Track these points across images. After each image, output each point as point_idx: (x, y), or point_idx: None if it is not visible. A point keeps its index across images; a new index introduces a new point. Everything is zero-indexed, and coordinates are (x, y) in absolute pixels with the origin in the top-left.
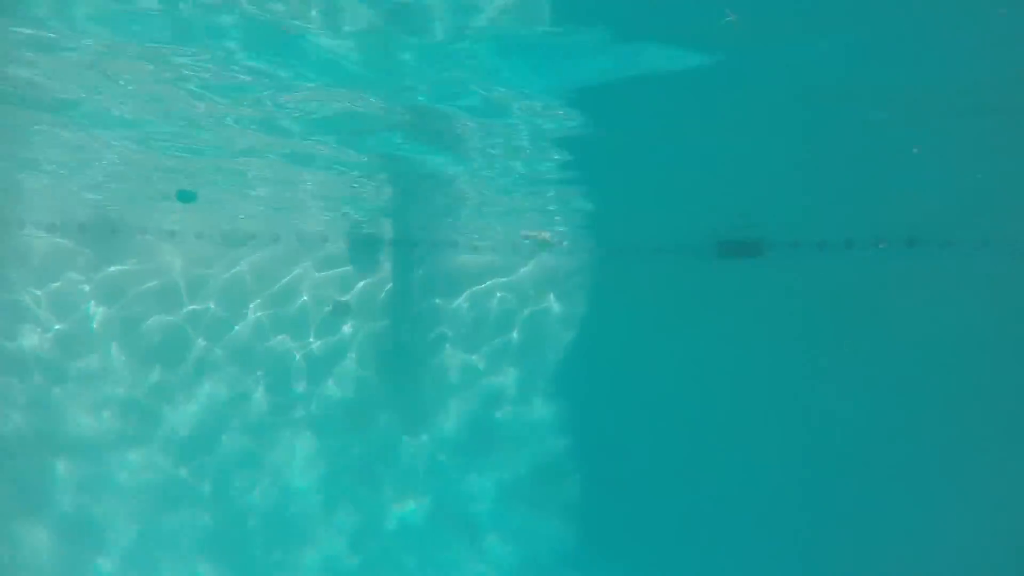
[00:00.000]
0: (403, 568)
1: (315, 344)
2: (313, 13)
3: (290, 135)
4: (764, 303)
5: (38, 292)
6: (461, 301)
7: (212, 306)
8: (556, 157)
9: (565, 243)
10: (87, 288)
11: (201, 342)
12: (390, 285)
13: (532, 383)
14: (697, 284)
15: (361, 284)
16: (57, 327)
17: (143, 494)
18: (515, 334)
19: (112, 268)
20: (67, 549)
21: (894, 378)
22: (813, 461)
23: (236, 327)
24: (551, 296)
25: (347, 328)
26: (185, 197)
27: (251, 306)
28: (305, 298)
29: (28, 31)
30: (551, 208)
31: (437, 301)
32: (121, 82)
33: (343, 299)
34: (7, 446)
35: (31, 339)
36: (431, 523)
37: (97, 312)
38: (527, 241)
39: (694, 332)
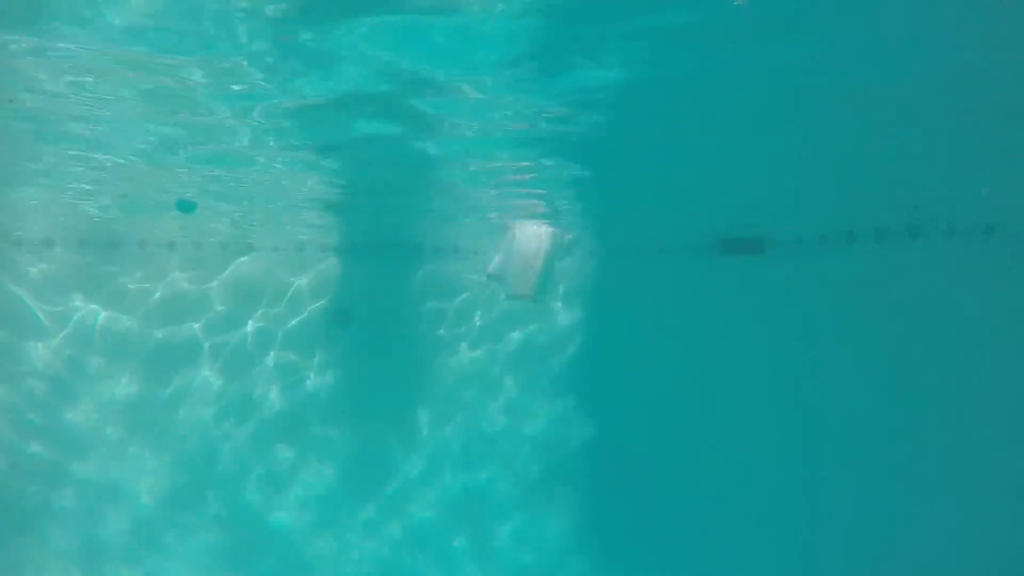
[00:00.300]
0: (407, 570)
1: (317, 351)
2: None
3: (290, 142)
4: (767, 300)
5: (40, 307)
6: (462, 303)
7: (212, 316)
8: (556, 158)
9: (568, 236)
10: (87, 301)
11: (203, 351)
12: (391, 290)
13: (534, 384)
14: (699, 283)
15: (362, 290)
16: (56, 341)
17: (147, 508)
18: (516, 334)
19: (113, 281)
20: (69, 565)
21: (898, 375)
22: (818, 459)
23: (237, 337)
24: (552, 297)
25: (348, 334)
26: (185, 207)
27: (252, 315)
28: (305, 306)
29: (28, 41)
30: (552, 209)
31: (438, 304)
32: (123, 92)
33: (344, 307)
34: (13, 464)
35: (33, 355)
36: (435, 526)
37: (98, 325)
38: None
39: (697, 331)
